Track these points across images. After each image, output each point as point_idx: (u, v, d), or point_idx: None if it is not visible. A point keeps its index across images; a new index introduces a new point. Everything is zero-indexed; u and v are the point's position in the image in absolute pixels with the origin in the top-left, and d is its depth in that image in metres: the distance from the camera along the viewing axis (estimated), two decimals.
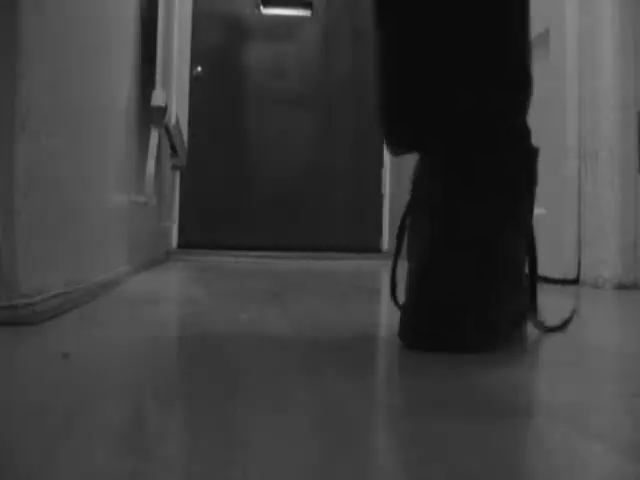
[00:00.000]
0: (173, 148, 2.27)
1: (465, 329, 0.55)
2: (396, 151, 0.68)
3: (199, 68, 3.07)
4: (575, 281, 1.47)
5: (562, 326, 0.69)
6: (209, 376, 0.46)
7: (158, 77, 1.49)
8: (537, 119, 1.67)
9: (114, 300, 0.95)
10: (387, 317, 0.87)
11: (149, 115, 1.53)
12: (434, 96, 0.61)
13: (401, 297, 0.60)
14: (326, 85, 3.27)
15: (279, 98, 3.21)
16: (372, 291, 1.35)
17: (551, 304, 1.13)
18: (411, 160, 0.62)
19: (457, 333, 0.55)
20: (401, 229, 0.62)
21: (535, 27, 1.72)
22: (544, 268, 1.54)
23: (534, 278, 0.66)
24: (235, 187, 3.16)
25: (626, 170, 1.40)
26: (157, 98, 1.48)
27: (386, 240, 3.18)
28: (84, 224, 0.95)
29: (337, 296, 1.16)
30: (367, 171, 3.29)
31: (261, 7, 3.24)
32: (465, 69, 0.60)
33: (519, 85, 0.62)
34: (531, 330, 0.64)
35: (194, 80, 3.01)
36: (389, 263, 0.65)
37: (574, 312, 0.75)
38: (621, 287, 1.36)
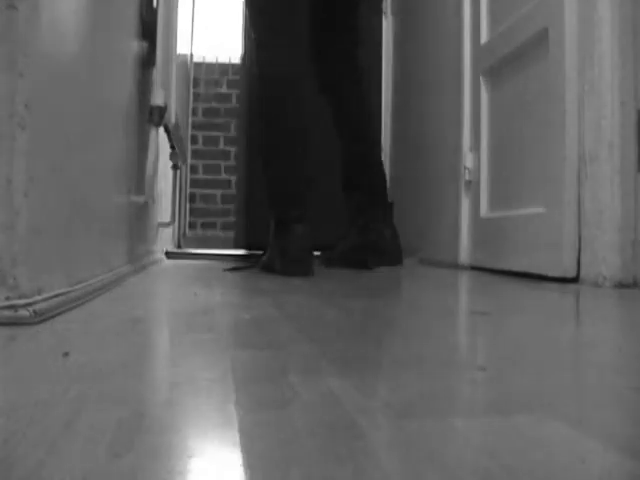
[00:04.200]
0: (173, 147, 2.27)
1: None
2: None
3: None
4: (575, 279, 1.47)
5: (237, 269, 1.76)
6: (209, 381, 0.46)
7: (158, 77, 1.49)
8: (537, 119, 1.67)
9: (114, 299, 0.95)
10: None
11: (149, 114, 1.53)
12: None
13: None
14: None
15: None
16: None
17: (548, 301, 1.13)
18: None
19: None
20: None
21: (534, 26, 1.72)
22: (544, 266, 1.54)
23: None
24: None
25: (626, 169, 1.40)
26: (157, 98, 1.48)
27: None
28: (84, 224, 0.95)
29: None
30: None
31: None
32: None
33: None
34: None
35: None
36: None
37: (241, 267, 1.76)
38: (621, 286, 1.37)
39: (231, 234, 3.47)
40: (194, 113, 3.52)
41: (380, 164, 2.08)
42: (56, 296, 0.73)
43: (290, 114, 1.68)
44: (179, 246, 3.04)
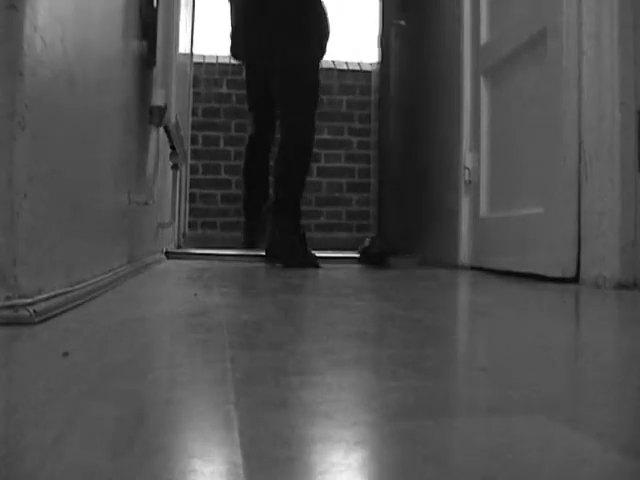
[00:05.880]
0: (173, 147, 2.27)
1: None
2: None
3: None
4: (574, 280, 1.47)
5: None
6: (209, 381, 0.46)
7: (158, 77, 1.49)
8: (537, 119, 1.67)
9: (114, 300, 0.95)
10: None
11: (149, 114, 1.53)
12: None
13: None
14: None
15: None
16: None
17: (544, 301, 1.13)
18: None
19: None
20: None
21: (533, 26, 1.72)
22: (544, 267, 1.54)
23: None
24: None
25: (626, 169, 1.39)
26: (157, 98, 1.48)
27: None
28: (84, 224, 0.95)
29: None
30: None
31: None
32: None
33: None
34: None
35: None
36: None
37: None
38: (621, 286, 1.36)
39: (231, 234, 3.46)
40: (194, 113, 3.51)
41: (282, 170, 2.18)
42: (56, 296, 0.73)
43: None
44: (179, 246, 3.04)
